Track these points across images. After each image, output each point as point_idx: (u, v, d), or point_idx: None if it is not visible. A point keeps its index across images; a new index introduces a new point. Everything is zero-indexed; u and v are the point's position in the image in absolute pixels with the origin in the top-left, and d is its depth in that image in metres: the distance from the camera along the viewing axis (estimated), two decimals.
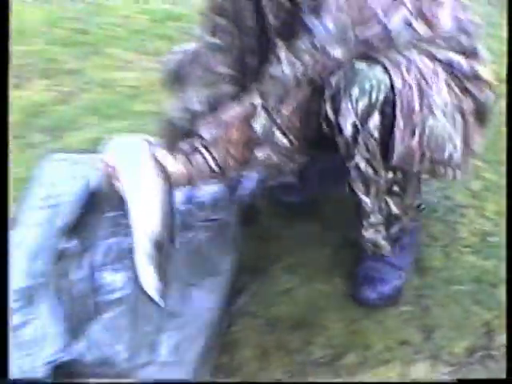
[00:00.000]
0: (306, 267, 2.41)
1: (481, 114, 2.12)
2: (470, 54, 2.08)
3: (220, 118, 2.15)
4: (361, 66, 1.90)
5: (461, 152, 2.04)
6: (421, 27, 1.96)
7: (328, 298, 2.29)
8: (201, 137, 2.13)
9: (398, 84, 1.89)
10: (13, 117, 3.17)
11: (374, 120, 1.91)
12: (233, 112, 2.13)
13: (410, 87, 1.91)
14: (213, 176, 2.16)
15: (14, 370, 1.96)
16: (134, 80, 3.51)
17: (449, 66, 2.01)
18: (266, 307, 2.28)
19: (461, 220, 2.61)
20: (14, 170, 2.83)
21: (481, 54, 2.11)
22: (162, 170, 2.18)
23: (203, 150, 2.11)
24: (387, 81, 1.88)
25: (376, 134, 1.93)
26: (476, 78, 2.08)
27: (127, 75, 3.56)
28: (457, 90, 2.03)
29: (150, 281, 2.03)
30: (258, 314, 2.25)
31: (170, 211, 2.20)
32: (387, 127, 1.92)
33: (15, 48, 3.76)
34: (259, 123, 2.05)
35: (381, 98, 1.89)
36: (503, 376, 1.94)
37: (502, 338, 2.14)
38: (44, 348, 2.03)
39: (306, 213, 2.50)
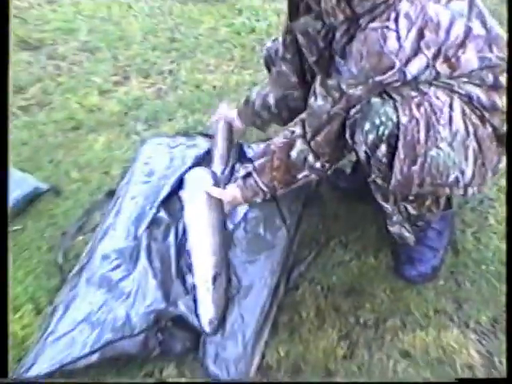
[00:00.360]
0: (356, 243, 2.42)
1: (500, 137, 2.02)
2: (491, 86, 1.97)
3: (269, 146, 2.21)
4: (375, 101, 1.90)
5: (472, 173, 1.98)
6: (442, 67, 1.87)
7: (375, 270, 2.29)
8: (253, 163, 2.24)
9: (403, 120, 1.86)
10: (116, 108, 3.24)
11: (382, 150, 1.91)
12: (277, 141, 2.19)
13: (418, 122, 1.86)
14: (263, 196, 2.23)
15: (118, 320, 2.02)
16: (216, 81, 3.52)
17: (467, 98, 1.94)
18: (322, 276, 2.29)
19: (489, 210, 2.58)
20: (116, 152, 2.89)
21: (501, 85, 1.99)
22: (216, 202, 2.30)
23: (254, 175, 2.21)
24: (395, 118, 1.86)
25: (384, 160, 1.93)
26: (495, 109, 1.98)
27: (210, 77, 3.57)
28: (474, 118, 1.95)
29: (205, 312, 2.04)
30: (316, 281, 2.26)
31: (223, 243, 2.25)
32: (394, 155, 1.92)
33: (119, 52, 3.83)
34: (296, 151, 2.11)
35: (386, 133, 1.87)
36: None
37: None
38: (145, 298, 2.08)
39: (358, 197, 2.50)
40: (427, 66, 1.83)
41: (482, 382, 1.93)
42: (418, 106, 1.87)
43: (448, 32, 1.82)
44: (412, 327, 2.12)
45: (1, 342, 1.72)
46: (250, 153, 2.73)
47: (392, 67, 1.80)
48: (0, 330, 1.72)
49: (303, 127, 2.11)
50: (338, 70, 1.90)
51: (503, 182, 2.58)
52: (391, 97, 1.88)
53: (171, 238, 2.28)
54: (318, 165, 2.10)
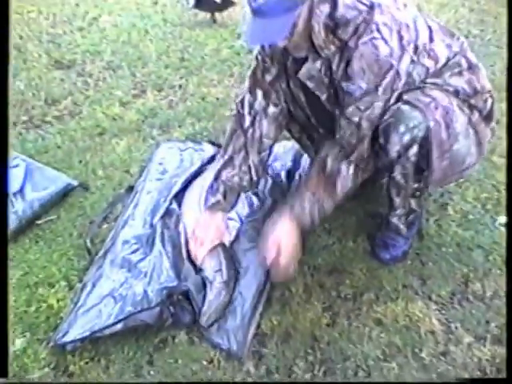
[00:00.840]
0: (338, 230, 2.41)
1: (486, 116, 2.06)
2: (468, 70, 2.01)
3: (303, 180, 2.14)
4: (405, 108, 1.87)
5: (476, 154, 2.02)
6: (427, 62, 1.92)
7: (354, 252, 2.28)
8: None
9: (431, 124, 1.86)
10: (135, 117, 3.23)
11: (413, 150, 1.89)
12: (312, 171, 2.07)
13: (440, 124, 1.88)
14: (311, 219, 2.05)
15: (137, 295, 2.01)
16: (219, 93, 3.51)
17: (456, 93, 1.96)
18: (309, 257, 2.27)
19: (448, 202, 2.57)
20: (135, 154, 2.88)
21: (475, 65, 2.05)
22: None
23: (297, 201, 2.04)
24: (424, 122, 1.86)
25: (413, 159, 1.92)
26: (476, 92, 2.02)
27: (214, 90, 3.57)
28: (465, 109, 1.97)
29: (208, 311, 1.99)
30: (304, 262, 2.23)
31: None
32: (422, 154, 1.91)
33: (137, 70, 3.84)
34: (330, 163, 1.99)
35: (420, 135, 1.86)
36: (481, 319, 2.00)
37: (476, 287, 2.16)
38: (160, 277, 2.08)
39: None
40: (412, 61, 1.86)
41: (482, 381, 1.89)
42: (436, 109, 1.88)
43: (416, 30, 1.89)
44: (384, 300, 2.10)
45: (1, 342, 1.68)
46: None
47: (391, 68, 1.80)
48: (0, 330, 1.68)
49: (336, 149, 2.00)
50: (348, 93, 1.87)
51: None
52: (416, 106, 1.87)
53: (181, 227, 2.26)
54: (350, 172, 1.99)
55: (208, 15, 4.84)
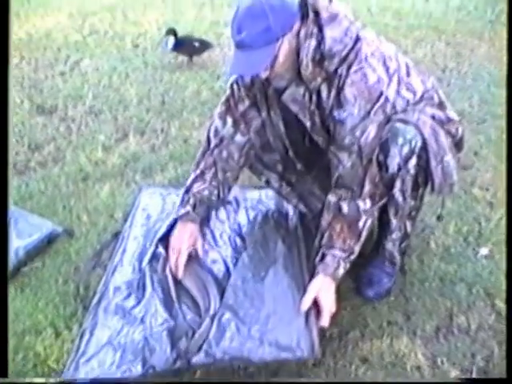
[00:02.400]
0: None
1: (456, 144, 2.14)
2: (439, 103, 2.11)
3: (321, 225, 2.13)
4: (399, 124, 1.94)
5: (456, 173, 2.07)
6: (407, 94, 1.99)
7: (338, 290, 2.28)
8: (320, 245, 2.12)
9: (426, 135, 1.94)
10: (117, 161, 3.26)
11: (412, 161, 1.96)
12: (324, 216, 2.10)
13: (431, 137, 1.96)
14: (346, 264, 2.09)
15: (136, 342, 2.00)
16: (201, 136, 3.52)
17: (433, 118, 2.04)
18: None
19: (430, 236, 2.61)
20: (119, 199, 2.91)
21: (443, 100, 2.14)
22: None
23: (327, 251, 2.07)
24: (419, 134, 1.94)
25: (412, 171, 1.98)
26: (449, 120, 2.11)
27: (196, 133, 3.60)
28: (441, 132, 2.04)
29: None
30: None
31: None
32: (420, 166, 1.98)
33: (118, 113, 3.87)
34: (345, 207, 2.04)
35: (418, 145, 1.94)
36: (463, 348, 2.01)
37: (460, 320, 2.19)
38: (156, 320, 2.08)
39: None
40: (397, 92, 1.95)
41: (482, 381, 1.94)
42: (424, 126, 1.96)
43: (398, 61, 2.01)
44: (369, 337, 2.12)
45: (1, 343, 1.70)
46: (229, 196, 2.70)
47: (381, 94, 1.91)
48: (0, 331, 1.70)
49: (344, 190, 2.05)
50: (340, 121, 1.95)
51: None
52: (408, 122, 1.95)
53: (168, 270, 2.27)
54: (367, 206, 2.03)
55: (186, 58, 4.92)
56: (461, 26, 6.10)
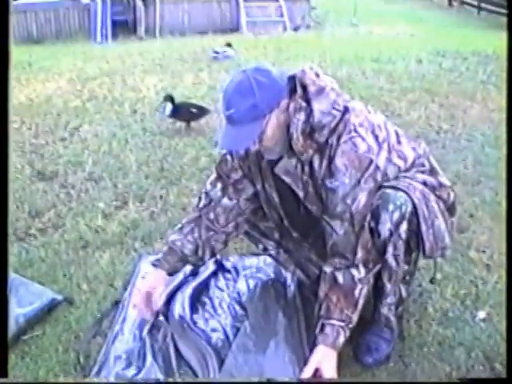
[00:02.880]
0: None
1: (449, 209, 2.18)
2: (430, 169, 2.17)
3: (319, 296, 2.15)
4: (389, 191, 2.01)
5: (449, 238, 2.12)
6: (398, 161, 2.07)
7: (337, 358, 2.28)
8: (319, 316, 2.14)
9: (416, 201, 2.00)
10: (117, 229, 3.28)
11: (403, 226, 2.02)
12: (322, 287, 2.13)
13: (421, 201, 2.02)
14: (345, 332, 2.12)
15: None
16: None
17: (424, 184, 2.09)
18: None
19: (428, 301, 2.61)
20: (118, 267, 2.92)
21: (436, 168, 2.20)
22: None
23: (326, 321, 2.10)
24: (409, 200, 2.00)
25: (403, 236, 2.04)
26: (441, 186, 2.16)
27: (194, 200, 3.61)
28: (432, 197, 2.09)
29: None
30: None
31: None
32: (411, 231, 2.04)
33: (118, 180, 3.93)
34: (341, 277, 2.07)
35: (408, 210, 2.00)
36: None
37: None
38: None
39: None
40: (388, 159, 2.03)
41: (482, 382, 1.97)
42: (415, 191, 2.02)
43: (387, 130, 2.09)
44: None
45: (1, 343, 1.70)
46: (227, 265, 2.78)
47: (371, 162, 1.97)
48: (0, 331, 1.70)
49: (338, 258, 2.09)
50: (332, 190, 2.01)
51: (438, 275, 2.64)
52: (398, 188, 2.02)
53: (168, 339, 2.29)
54: (362, 274, 2.07)
55: (184, 124, 5.01)
56: (453, 87, 6.24)
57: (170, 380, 2.02)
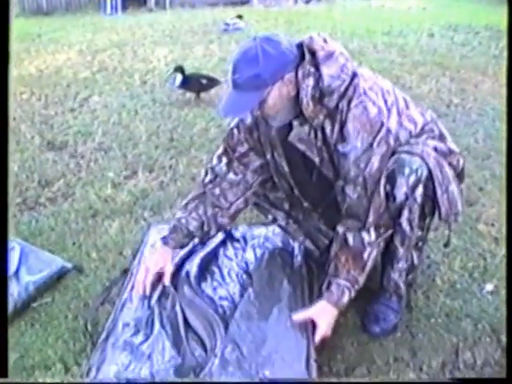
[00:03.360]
0: None
1: (458, 175, 2.18)
2: (440, 135, 2.16)
3: (330, 255, 2.19)
4: (404, 155, 2.00)
5: (461, 202, 2.12)
6: (408, 125, 2.06)
7: (344, 327, 2.30)
8: (328, 272, 2.17)
9: (431, 165, 2.00)
10: (127, 198, 3.29)
11: (419, 190, 2.02)
12: (333, 247, 2.17)
13: (436, 167, 2.01)
14: (350, 293, 2.14)
15: (142, 378, 2.02)
16: None
17: (435, 150, 2.08)
18: None
19: (436, 272, 2.62)
20: (128, 236, 2.92)
21: (444, 134, 2.19)
22: None
23: (333, 280, 2.13)
24: (425, 164, 1.99)
25: (419, 200, 2.04)
26: (451, 152, 2.16)
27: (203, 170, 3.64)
28: (445, 164, 2.09)
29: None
30: None
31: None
32: (427, 195, 2.04)
33: (127, 151, 3.92)
34: (351, 239, 2.09)
35: (424, 174, 2.00)
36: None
37: (466, 356, 2.18)
38: (163, 357, 2.10)
39: None
40: (398, 123, 2.01)
41: (482, 381, 1.96)
42: (428, 156, 2.02)
43: (395, 95, 2.07)
44: (376, 373, 2.12)
45: (1, 343, 1.71)
46: (236, 234, 2.78)
47: (382, 125, 1.96)
48: (0, 332, 1.71)
49: (351, 220, 2.10)
50: (344, 154, 2.00)
51: (446, 249, 2.64)
52: (413, 153, 2.01)
53: (177, 307, 2.30)
54: (372, 238, 2.08)
55: (193, 95, 4.99)
56: (465, 61, 6.18)
57: (169, 380, 2.02)
